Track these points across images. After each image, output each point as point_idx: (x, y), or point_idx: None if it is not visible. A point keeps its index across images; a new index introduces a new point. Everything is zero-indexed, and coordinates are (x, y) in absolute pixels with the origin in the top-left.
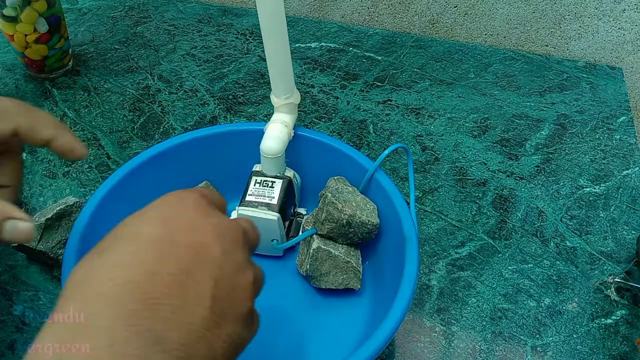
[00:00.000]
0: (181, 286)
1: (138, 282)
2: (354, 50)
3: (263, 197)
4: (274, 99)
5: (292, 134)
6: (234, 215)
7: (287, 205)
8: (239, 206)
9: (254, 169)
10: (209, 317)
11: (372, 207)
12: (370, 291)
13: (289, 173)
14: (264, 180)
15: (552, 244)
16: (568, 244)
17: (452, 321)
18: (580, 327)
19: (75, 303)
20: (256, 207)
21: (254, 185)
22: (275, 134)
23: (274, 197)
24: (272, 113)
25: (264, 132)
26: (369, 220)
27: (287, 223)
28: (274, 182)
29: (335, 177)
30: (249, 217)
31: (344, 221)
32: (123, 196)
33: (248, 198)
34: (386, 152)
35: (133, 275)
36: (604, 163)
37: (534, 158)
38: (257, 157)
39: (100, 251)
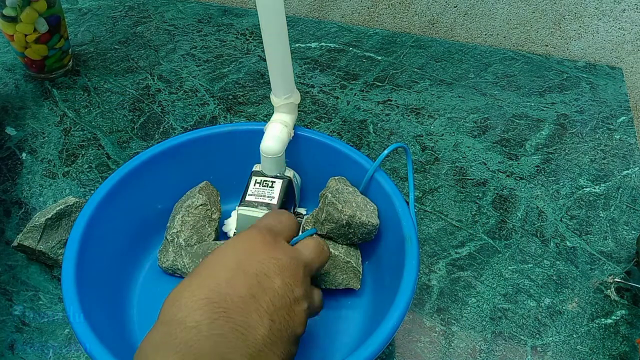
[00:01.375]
0: (247, 306)
1: (213, 299)
2: (354, 50)
3: (263, 197)
4: (273, 99)
5: (292, 134)
6: (233, 215)
7: (287, 205)
8: (238, 206)
9: (254, 169)
10: (267, 336)
11: (372, 207)
12: (370, 291)
13: (289, 173)
14: (264, 180)
15: (552, 244)
16: (568, 244)
17: (452, 321)
18: (580, 327)
19: (172, 309)
20: (256, 207)
21: (254, 185)
22: (275, 134)
23: (274, 197)
24: (272, 113)
25: (264, 132)
26: (368, 221)
27: None
28: (274, 182)
29: (336, 177)
30: (249, 217)
31: (344, 222)
32: (123, 196)
33: (248, 198)
34: (386, 151)
35: (210, 294)
36: (604, 163)
37: (534, 158)
38: (257, 157)
39: (191, 275)
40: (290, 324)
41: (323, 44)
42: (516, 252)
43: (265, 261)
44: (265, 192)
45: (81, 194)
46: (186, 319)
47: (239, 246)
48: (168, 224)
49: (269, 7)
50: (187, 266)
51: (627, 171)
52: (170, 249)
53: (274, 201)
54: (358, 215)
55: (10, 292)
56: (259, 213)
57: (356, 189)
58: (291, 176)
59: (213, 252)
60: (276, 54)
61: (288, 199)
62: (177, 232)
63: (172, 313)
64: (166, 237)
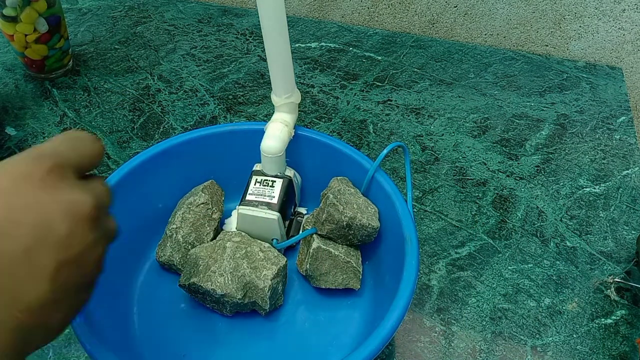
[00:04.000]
0: (17, 269)
1: None
2: (354, 50)
3: (263, 196)
4: (274, 98)
5: (293, 134)
6: (234, 214)
7: (287, 205)
8: (239, 205)
9: (254, 169)
10: (45, 298)
11: (373, 210)
12: (370, 291)
13: (289, 172)
14: (265, 180)
15: (552, 244)
16: (568, 244)
17: (452, 321)
18: (580, 327)
19: None
20: (256, 206)
21: (255, 184)
22: (276, 133)
23: (274, 197)
24: (272, 113)
25: (264, 132)
26: (369, 224)
27: (287, 222)
28: (275, 181)
29: (338, 178)
30: (250, 216)
31: (344, 223)
32: (123, 196)
33: (248, 197)
34: (385, 151)
35: None
36: (604, 163)
37: (534, 158)
38: (258, 157)
39: None
40: (81, 274)
41: (323, 44)
42: (516, 252)
43: (45, 205)
44: (265, 191)
45: None
46: None
47: (7, 186)
48: (170, 219)
49: (270, 7)
50: (180, 262)
51: (627, 171)
52: (168, 244)
53: (275, 200)
54: (359, 217)
55: None
56: (260, 212)
57: (358, 190)
58: (291, 175)
59: None
60: (277, 53)
61: (288, 199)
62: (176, 227)
63: None
64: (166, 232)
